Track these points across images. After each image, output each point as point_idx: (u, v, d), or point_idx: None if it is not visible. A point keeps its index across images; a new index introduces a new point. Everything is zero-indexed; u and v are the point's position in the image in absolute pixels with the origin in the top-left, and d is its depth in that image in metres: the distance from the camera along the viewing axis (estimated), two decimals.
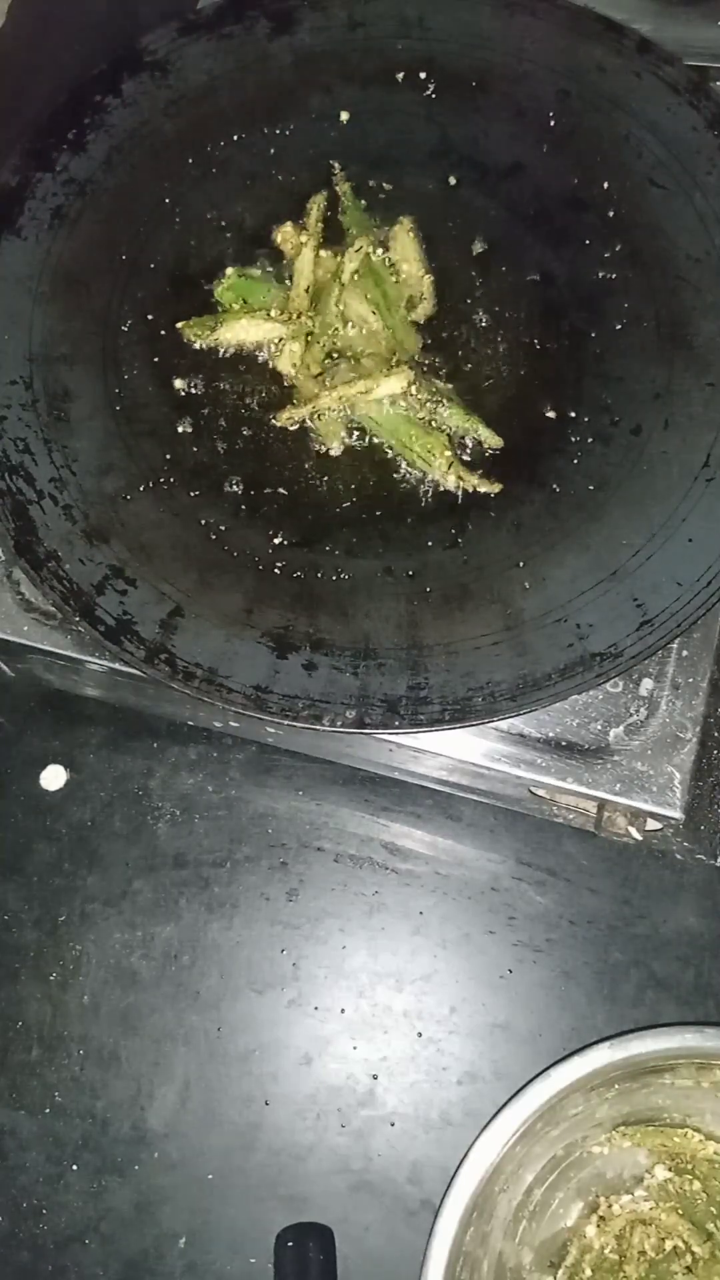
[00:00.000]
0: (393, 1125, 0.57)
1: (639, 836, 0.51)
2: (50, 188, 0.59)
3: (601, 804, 0.51)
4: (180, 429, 0.55)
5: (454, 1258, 0.46)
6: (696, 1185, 0.52)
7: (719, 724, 0.51)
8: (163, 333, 0.57)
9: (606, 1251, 0.51)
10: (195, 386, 0.56)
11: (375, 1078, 0.58)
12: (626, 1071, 0.49)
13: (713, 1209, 0.52)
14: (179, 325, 0.57)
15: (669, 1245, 0.51)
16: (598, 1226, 0.52)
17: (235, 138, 0.61)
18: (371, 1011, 0.59)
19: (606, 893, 0.60)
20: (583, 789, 0.50)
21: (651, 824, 0.51)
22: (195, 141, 0.61)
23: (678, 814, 0.49)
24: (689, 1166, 0.52)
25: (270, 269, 0.59)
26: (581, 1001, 0.58)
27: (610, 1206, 0.52)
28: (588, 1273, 0.51)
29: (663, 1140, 0.52)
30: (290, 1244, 0.54)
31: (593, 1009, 0.58)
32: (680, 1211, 0.52)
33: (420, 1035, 0.59)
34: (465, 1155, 0.47)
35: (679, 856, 0.57)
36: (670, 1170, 0.52)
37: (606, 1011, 0.58)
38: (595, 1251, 0.51)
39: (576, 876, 0.60)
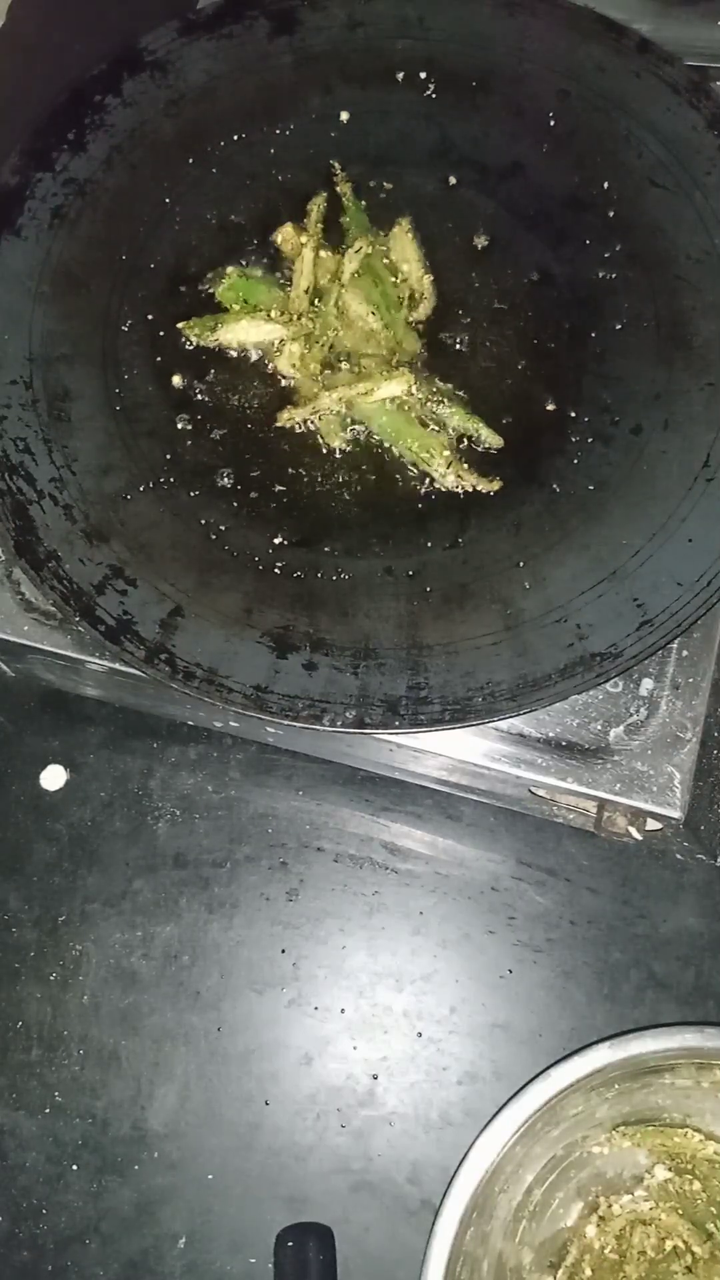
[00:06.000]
0: (393, 1125, 0.57)
1: (639, 836, 0.51)
2: (50, 188, 0.59)
3: (601, 804, 0.51)
4: (180, 429, 0.55)
5: (454, 1258, 0.46)
6: (696, 1185, 0.52)
7: (719, 724, 0.51)
8: (162, 333, 0.57)
9: (606, 1251, 0.51)
10: (195, 386, 0.56)
11: (375, 1078, 0.58)
12: (626, 1071, 0.49)
13: (713, 1209, 0.52)
14: (179, 325, 0.57)
15: (669, 1245, 0.51)
16: (598, 1226, 0.52)
17: (235, 138, 0.61)
18: (371, 1011, 0.59)
19: (606, 893, 0.60)
20: (583, 789, 0.50)
21: (651, 824, 0.51)
22: (195, 141, 0.61)
23: (678, 814, 0.49)
24: (689, 1166, 0.52)
25: (270, 269, 0.59)
26: (581, 1001, 0.58)
27: (610, 1206, 0.52)
28: (588, 1273, 0.51)
29: (663, 1140, 0.52)
30: (290, 1244, 0.54)
31: (593, 1009, 0.58)
32: (680, 1211, 0.52)
33: (420, 1035, 0.59)
34: (465, 1155, 0.47)
35: (679, 856, 0.57)
36: (670, 1170, 0.52)
37: (606, 1011, 0.58)
38: (595, 1251, 0.51)
39: (576, 876, 0.60)
